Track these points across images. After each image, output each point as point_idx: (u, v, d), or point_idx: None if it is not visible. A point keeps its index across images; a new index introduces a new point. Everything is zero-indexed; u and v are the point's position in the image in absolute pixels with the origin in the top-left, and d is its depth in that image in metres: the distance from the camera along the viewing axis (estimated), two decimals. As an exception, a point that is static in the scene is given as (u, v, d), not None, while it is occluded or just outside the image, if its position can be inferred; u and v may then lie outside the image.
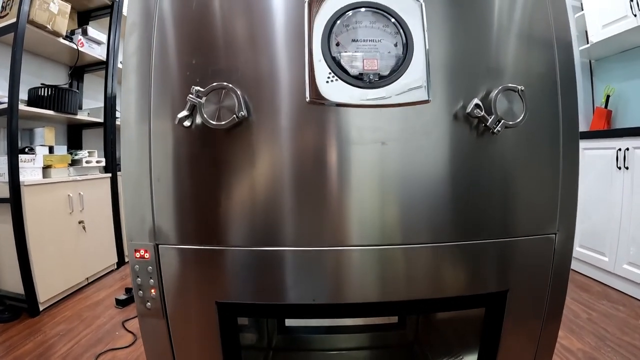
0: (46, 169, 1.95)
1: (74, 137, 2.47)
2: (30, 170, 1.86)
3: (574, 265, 2.31)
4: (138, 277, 0.75)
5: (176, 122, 0.66)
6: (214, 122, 0.66)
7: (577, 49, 2.47)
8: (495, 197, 0.71)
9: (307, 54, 0.65)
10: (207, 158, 0.69)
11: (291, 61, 0.67)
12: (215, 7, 0.68)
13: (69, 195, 2.00)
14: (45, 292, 1.89)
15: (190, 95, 0.65)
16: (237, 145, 0.69)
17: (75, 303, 2.00)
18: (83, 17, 2.49)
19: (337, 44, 0.65)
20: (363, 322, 1.43)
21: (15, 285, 1.85)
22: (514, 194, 0.72)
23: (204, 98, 0.65)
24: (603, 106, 2.43)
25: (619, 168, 1.93)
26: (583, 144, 2.16)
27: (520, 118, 0.68)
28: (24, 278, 1.81)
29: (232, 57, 0.67)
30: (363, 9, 0.66)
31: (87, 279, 2.19)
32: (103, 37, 2.41)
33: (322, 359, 1.35)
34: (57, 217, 1.96)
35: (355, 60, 0.65)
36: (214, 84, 0.65)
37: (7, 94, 1.80)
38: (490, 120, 0.66)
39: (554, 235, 0.74)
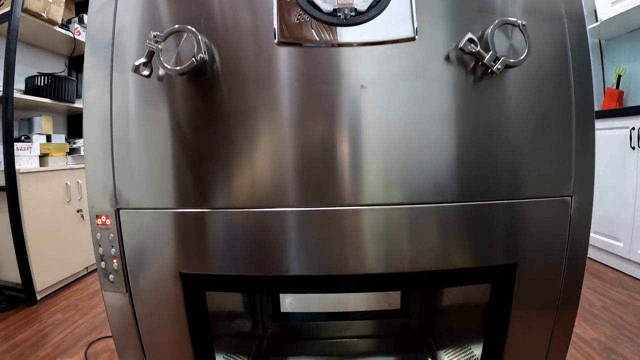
0: (43, 157, 1.89)
1: (74, 126, 2.42)
2: (26, 158, 1.81)
3: (587, 252, 2.17)
4: (100, 246, 0.67)
5: (132, 70, 0.57)
6: (169, 67, 0.57)
7: (587, 27, 2.32)
8: (498, 151, 0.60)
9: (274, -13, 0.56)
10: (170, 114, 0.61)
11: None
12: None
13: (66, 183, 1.94)
14: (42, 282, 1.83)
15: (148, 42, 0.56)
16: (203, 98, 0.60)
17: (73, 293, 1.94)
18: (81, 7, 2.43)
19: (309, -26, 0.56)
20: (364, 309, 1.32)
21: (13, 275, 1.80)
22: (520, 149, 0.61)
23: (162, 43, 0.57)
24: (614, 87, 2.29)
25: (633, 148, 1.79)
26: (594, 125, 2.01)
27: (524, 55, 0.56)
28: (21, 267, 1.75)
29: (195, 3, 0.59)
30: None
31: (87, 268, 2.13)
32: (102, 28, 2.34)
33: (320, 348, 1.25)
34: (55, 205, 1.90)
35: (327, -7, 0.56)
36: (174, 26, 0.56)
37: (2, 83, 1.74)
38: (487, 57, 0.56)
39: (570, 198, 0.62)
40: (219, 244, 0.62)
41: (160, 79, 0.61)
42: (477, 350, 0.85)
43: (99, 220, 0.66)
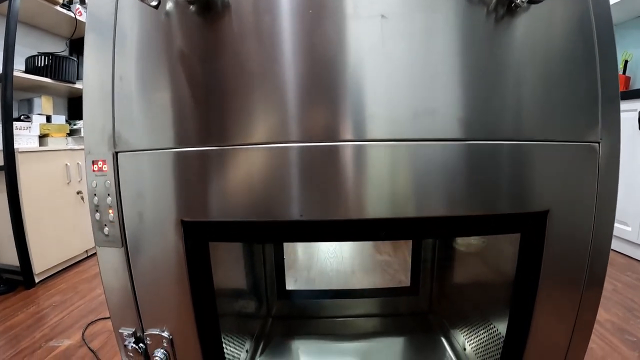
0: (43, 137, 1.82)
1: (75, 109, 2.34)
2: (26, 138, 1.73)
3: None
4: (95, 195, 0.60)
5: (140, -1, 0.51)
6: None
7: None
8: (521, 90, 0.54)
9: None
10: (175, 49, 0.55)
11: None
12: None
13: (66, 164, 1.86)
14: (41, 264, 1.75)
15: (158, -30, 0.51)
16: (210, 33, 0.54)
17: (73, 276, 1.86)
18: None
19: None
20: (371, 286, 1.26)
21: (11, 258, 1.72)
22: (544, 90, 0.55)
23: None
24: (621, 72, 2.22)
25: (642, 131, 1.73)
26: (601, 111, 1.95)
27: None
28: (19, 250, 1.68)
29: None
30: None
31: (87, 251, 2.05)
32: (105, 12, 2.28)
33: (326, 327, 1.18)
34: (54, 187, 1.82)
35: None
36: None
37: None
38: (511, -11, 0.50)
39: (597, 144, 0.57)
40: (222, 186, 0.55)
41: (167, 14, 0.55)
42: (500, 326, 0.78)
43: (95, 166, 0.60)
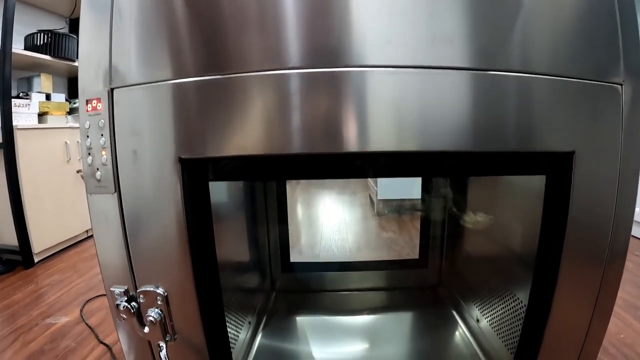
0: (42, 116, 1.76)
1: (74, 88, 2.25)
2: (24, 115, 1.68)
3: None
4: (88, 137, 0.55)
5: None
6: None
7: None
8: (541, 22, 0.49)
9: None
10: None
11: None
12: None
13: (66, 142, 1.80)
14: (40, 244, 1.70)
15: None
16: None
17: (72, 256, 1.82)
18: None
19: None
20: (378, 258, 1.20)
21: (10, 238, 1.68)
22: (564, 24, 0.50)
23: None
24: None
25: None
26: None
27: None
28: (18, 229, 1.63)
29: None
30: None
31: (87, 231, 1.99)
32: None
33: (331, 301, 1.13)
34: (54, 165, 1.77)
35: None
36: None
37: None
38: None
39: (620, 86, 0.51)
40: (221, 118, 0.49)
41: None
42: (519, 294, 0.73)
43: (89, 106, 0.54)
